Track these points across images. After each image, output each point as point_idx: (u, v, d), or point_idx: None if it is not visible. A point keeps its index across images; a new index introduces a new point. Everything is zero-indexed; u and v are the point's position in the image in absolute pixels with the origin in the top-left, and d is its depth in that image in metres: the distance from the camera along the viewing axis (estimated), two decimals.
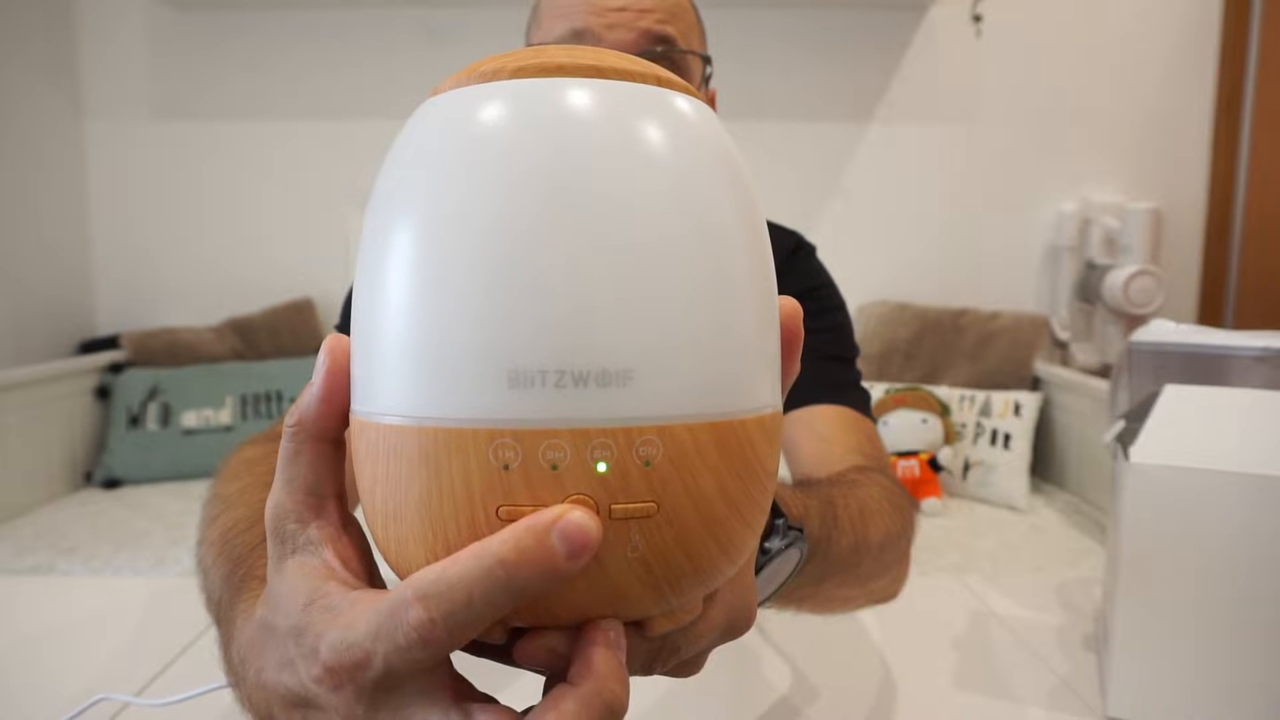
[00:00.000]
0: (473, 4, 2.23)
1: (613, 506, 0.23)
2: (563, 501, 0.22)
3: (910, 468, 1.87)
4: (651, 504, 0.23)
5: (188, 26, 2.26)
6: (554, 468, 0.22)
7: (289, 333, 2.24)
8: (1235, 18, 2.24)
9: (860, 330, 2.21)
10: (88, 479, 2.01)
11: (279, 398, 2.10)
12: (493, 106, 0.24)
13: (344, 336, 0.27)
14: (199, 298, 2.30)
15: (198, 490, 1.93)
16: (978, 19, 2.18)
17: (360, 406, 0.25)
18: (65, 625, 0.78)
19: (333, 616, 0.24)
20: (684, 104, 0.25)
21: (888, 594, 0.65)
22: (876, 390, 2.03)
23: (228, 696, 0.54)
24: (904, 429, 1.92)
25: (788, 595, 0.50)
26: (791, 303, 0.28)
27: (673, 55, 0.69)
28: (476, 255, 0.22)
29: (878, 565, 0.58)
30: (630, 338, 0.22)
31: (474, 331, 0.22)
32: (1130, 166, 2.31)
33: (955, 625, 0.80)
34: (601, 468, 0.22)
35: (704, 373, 0.23)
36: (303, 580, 0.25)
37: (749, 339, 0.25)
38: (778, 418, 0.26)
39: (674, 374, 0.23)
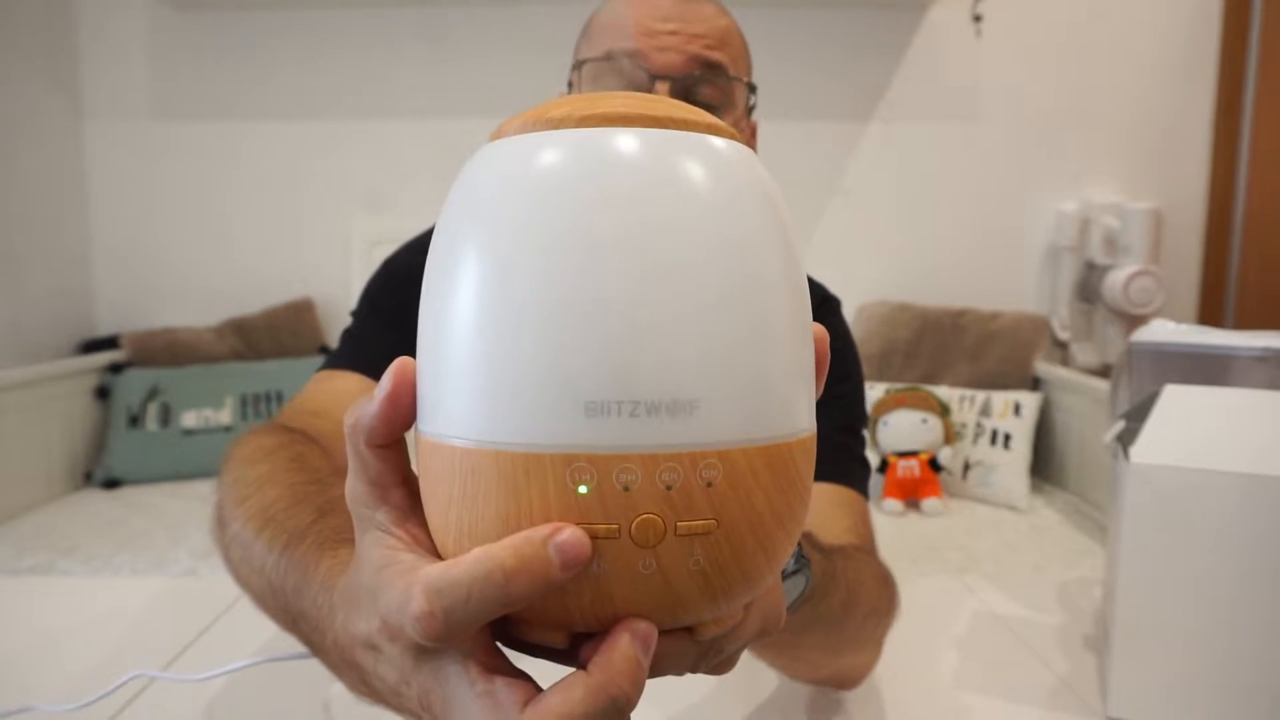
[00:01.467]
0: (474, 3, 2.23)
1: (678, 524, 0.25)
2: (634, 520, 0.24)
3: (910, 468, 1.87)
4: (712, 521, 0.25)
5: (188, 26, 2.26)
6: (626, 489, 0.24)
7: (289, 333, 2.24)
8: (1235, 18, 2.24)
9: (860, 330, 2.21)
10: (88, 479, 2.01)
11: (279, 398, 2.10)
12: (562, 151, 0.26)
13: (411, 362, 0.28)
14: (199, 298, 2.30)
15: (198, 490, 1.93)
16: (978, 19, 2.18)
17: (436, 429, 0.27)
18: (65, 625, 0.78)
19: (395, 579, 0.27)
20: (733, 151, 0.28)
21: (853, 675, 0.65)
22: (877, 390, 2.03)
23: (254, 673, 0.56)
24: (904, 429, 1.92)
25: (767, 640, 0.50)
26: (820, 328, 0.30)
27: (717, 81, 0.69)
28: (558, 296, 0.25)
29: (858, 634, 0.59)
30: (697, 373, 0.25)
31: (554, 365, 0.24)
32: (1130, 166, 2.30)
33: (955, 625, 0.80)
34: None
35: (758, 403, 0.26)
36: (377, 550, 0.29)
37: (794, 372, 0.27)
38: (813, 438, 0.29)
39: (733, 405, 0.25)
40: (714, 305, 0.25)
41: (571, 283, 0.24)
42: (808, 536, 0.49)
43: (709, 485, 0.25)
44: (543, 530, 0.24)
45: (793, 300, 0.27)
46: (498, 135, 0.28)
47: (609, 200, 0.25)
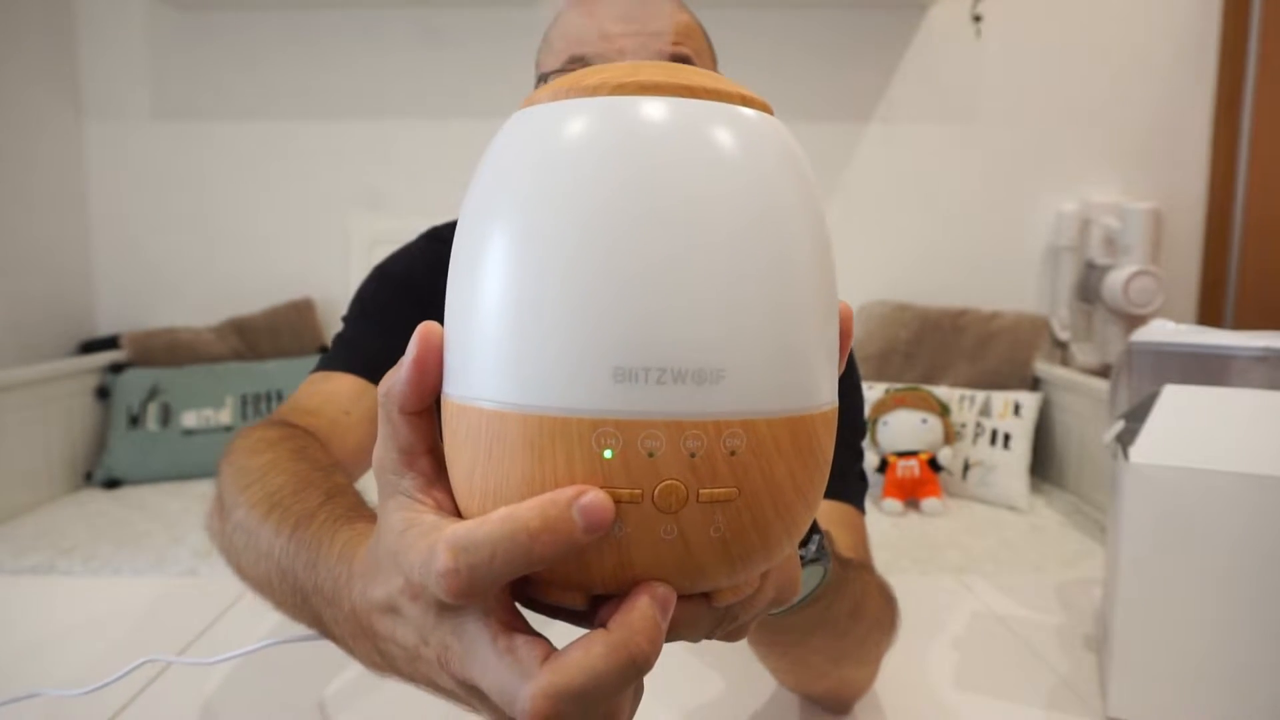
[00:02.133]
0: (472, 4, 2.23)
1: (700, 491, 0.25)
2: (657, 486, 0.24)
3: (910, 468, 1.87)
4: (734, 489, 0.25)
5: (188, 26, 2.26)
6: (650, 455, 0.24)
7: (289, 333, 2.24)
8: (1235, 18, 2.24)
9: (860, 330, 2.21)
10: (88, 479, 2.01)
11: (279, 398, 2.10)
12: (597, 118, 0.26)
13: (437, 326, 0.28)
14: (199, 298, 2.30)
15: (198, 490, 1.93)
16: (978, 19, 2.18)
17: (461, 392, 0.27)
18: (65, 625, 0.78)
19: (419, 539, 0.27)
20: (763, 121, 0.28)
21: (851, 691, 0.65)
22: (876, 390, 2.03)
23: (257, 666, 0.56)
24: (904, 429, 1.92)
25: (775, 636, 0.51)
26: (844, 304, 0.31)
27: None
28: (587, 262, 0.25)
29: (862, 645, 0.59)
30: (724, 341, 0.25)
31: (583, 330, 0.24)
32: (1130, 166, 2.30)
33: (955, 625, 0.80)
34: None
35: (783, 374, 0.26)
36: (399, 514, 0.29)
37: (819, 345, 0.28)
38: (835, 411, 0.29)
39: (759, 375, 0.25)
40: (744, 276, 0.25)
41: (604, 250, 0.24)
42: (826, 537, 0.49)
43: (732, 454, 0.25)
44: (567, 492, 0.24)
45: (820, 274, 0.27)
46: (530, 103, 0.28)
47: (642, 169, 0.25)
